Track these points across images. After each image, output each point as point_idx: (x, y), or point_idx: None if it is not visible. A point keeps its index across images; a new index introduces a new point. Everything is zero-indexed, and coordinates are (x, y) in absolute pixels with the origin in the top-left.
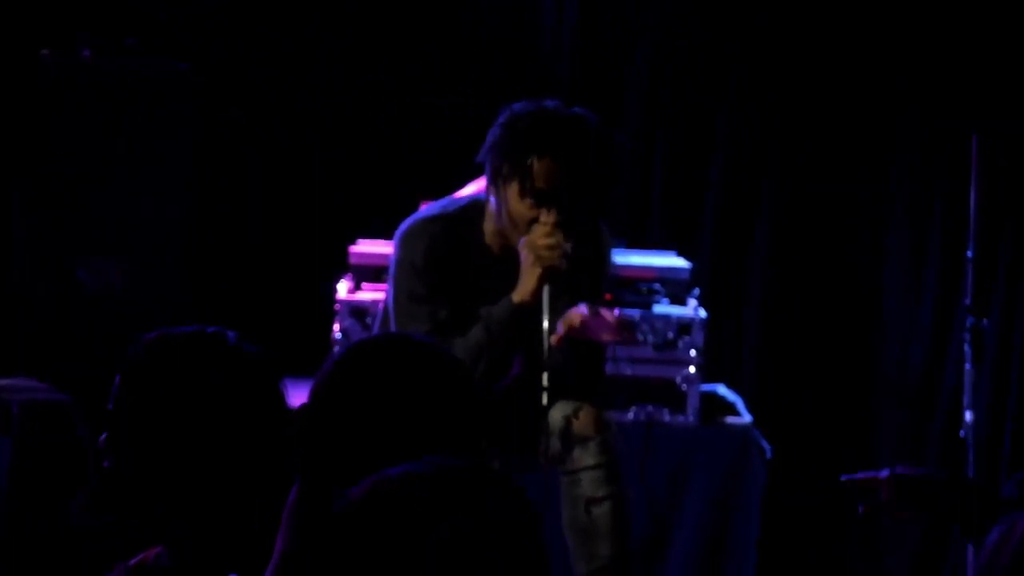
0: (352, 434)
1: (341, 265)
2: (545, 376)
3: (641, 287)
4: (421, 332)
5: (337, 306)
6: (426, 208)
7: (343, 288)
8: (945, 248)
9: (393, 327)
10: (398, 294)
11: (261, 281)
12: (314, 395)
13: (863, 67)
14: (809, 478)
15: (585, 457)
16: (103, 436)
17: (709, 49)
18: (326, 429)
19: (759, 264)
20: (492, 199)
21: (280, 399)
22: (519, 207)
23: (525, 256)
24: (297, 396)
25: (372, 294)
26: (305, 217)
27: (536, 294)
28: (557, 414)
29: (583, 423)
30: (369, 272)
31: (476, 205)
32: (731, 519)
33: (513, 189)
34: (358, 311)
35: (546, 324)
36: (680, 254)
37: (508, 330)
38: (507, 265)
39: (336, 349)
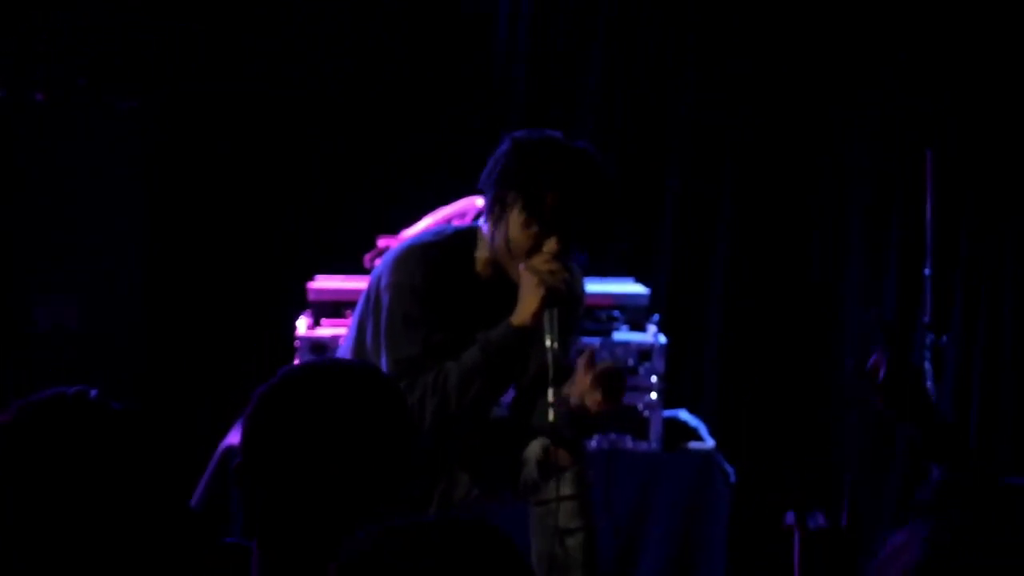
0: (287, 468)
1: (300, 301)
2: (551, 392)
3: (600, 314)
4: (412, 355)
5: (297, 342)
6: (416, 235)
7: (302, 324)
8: (903, 266)
9: (382, 352)
10: (391, 317)
11: (219, 319)
12: (246, 434)
13: (817, 83)
14: (774, 500)
15: (561, 487)
16: None
17: (661, 71)
18: (261, 470)
19: (718, 287)
20: (487, 226)
21: (151, 455)
22: (521, 235)
23: (527, 279)
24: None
25: (331, 330)
26: (262, 254)
27: (537, 316)
28: (536, 444)
29: (561, 453)
30: (328, 308)
31: (467, 233)
32: (697, 544)
33: (517, 217)
34: (318, 347)
35: (548, 343)
36: (638, 280)
37: (506, 353)
38: (498, 293)
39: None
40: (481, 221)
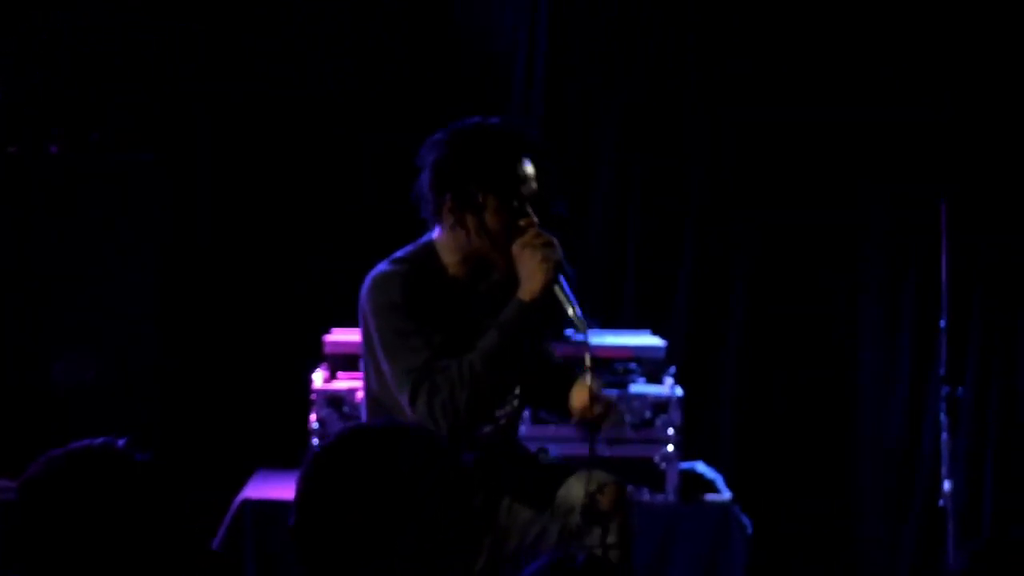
0: (344, 530)
1: (316, 355)
2: (588, 357)
3: (617, 367)
4: (419, 362)
5: (313, 396)
6: (383, 262)
7: (319, 378)
8: (919, 318)
9: (390, 375)
10: (385, 338)
11: (235, 371)
12: (300, 495)
13: (832, 137)
14: (791, 552)
15: (604, 536)
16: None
17: (678, 120)
18: (317, 531)
19: (734, 339)
20: (450, 229)
21: (176, 505)
22: (498, 224)
23: (527, 257)
24: (274, 487)
25: (348, 383)
26: (279, 307)
27: (546, 289)
28: (579, 490)
29: (606, 500)
30: (344, 361)
31: (425, 246)
32: None
33: (492, 209)
34: (335, 400)
35: (571, 311)
36: (655, 333)
37: (523, 330)
38: (476, 290)
39: (313, 447)
40: (434, 234)
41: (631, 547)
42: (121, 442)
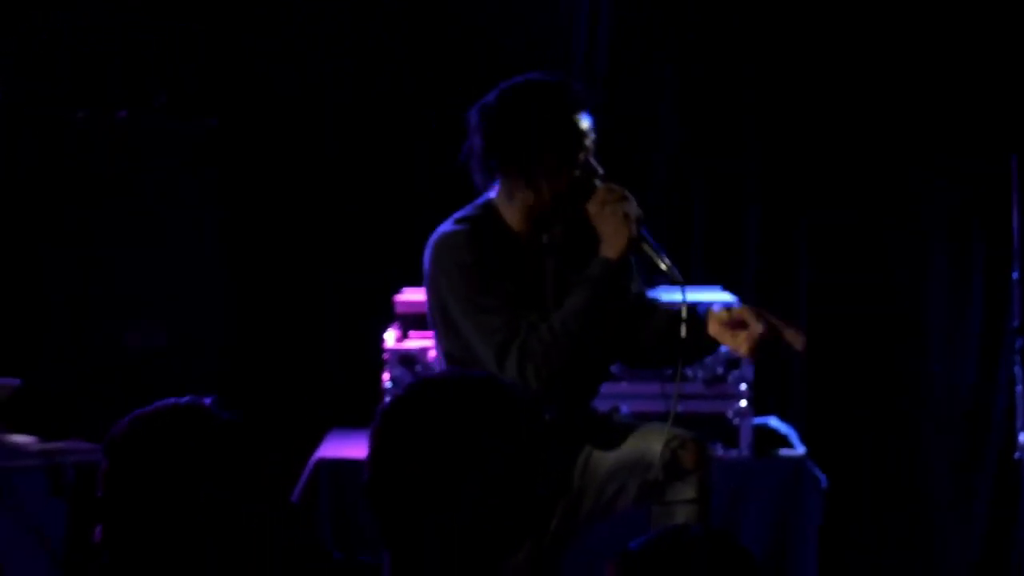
0: (415, 484)
1: (387, 315)
2: (685, 310)
3: None
4: (502, 323)
5: (386, 355)
6: (445, 223)
7: (391, 337)
8: (990, 270)
9: (474, 340)
10: (461, 299)
11: (307, 332)
12: (373, 450)
13: (901, 89)
14: (864, 506)
15: (685, 491)
16: (97, 528)
17: (744, 81)
18: (389, 486)
19: (803, 293)
20: (510, 187)
21: (259, 467)
22: (560, 176)
23: (607, 216)
24: (348, 447)
25: (420, 342)
26: (350, 267)
27: (632, 246)
28: (659, 444)
29: (688, 457)
30: (416, 320)
31: (485, 206)
32: (788, 550)
33: (551, 160)
34: (407, 359)
35: (663, 266)
36: (725, 288)
37: (609, 288)
38: (543, 246)
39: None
40: (492, 193)
41: (709, 504)
42: (208, 400)
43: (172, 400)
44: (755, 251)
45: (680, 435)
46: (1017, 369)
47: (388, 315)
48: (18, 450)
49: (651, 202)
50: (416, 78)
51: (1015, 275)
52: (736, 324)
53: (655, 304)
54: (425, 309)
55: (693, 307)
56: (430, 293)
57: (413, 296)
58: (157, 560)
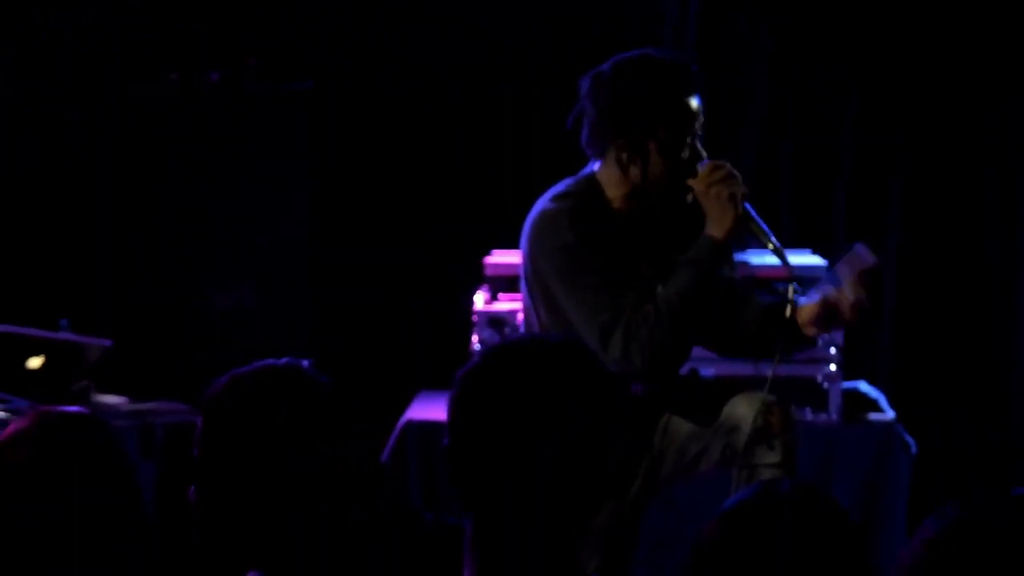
0: (497, 448)
1: (477, 276)
2: (790, 288)
3: (778, 287)
4: (605, 303)
5: (475, 317)
6: (543, 197)
7: (480, 299)
8: None
9: (581, 320)
10: (564, 279)
11: (396, 295)
12: (452, 416)
13: (992, 63)
14: (954, 473)
15: (769, 455)
16: (192, 488)
17: (834, 46)
18: (469, 450)
19: (893, 259)
20: (616, 163)
21: (352, 430)
22: (669, 155)
23: (713, 196)
24: (436, 409)
25: (509, 304)
26: (439, 229)
27: (737, 226)
28: (746, 408)
29: (775, 420)
30: (505, 282)
31: (587, 180)
32: (878, 516)
33: (662, 138)
34: (496, 321)
35: (771, 245)
36: (815, 252)
37: (715, 267)
38: (643, 224)
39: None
40: (595, 166)
41: (794, 468)
42: (306, 363)
43: (270, 361)
44: (846, 212)
45: (767, 399)
46: None
47: (478, 277)
48: (110, 410)
49: (743, 165)
50: (511, 47)
51: None
52: (825, 311)
53: (750, 293)
54: (514, 271)
55: (790, 298)
56: (529, 268)
57: (503, 258)
58: (251, 521)
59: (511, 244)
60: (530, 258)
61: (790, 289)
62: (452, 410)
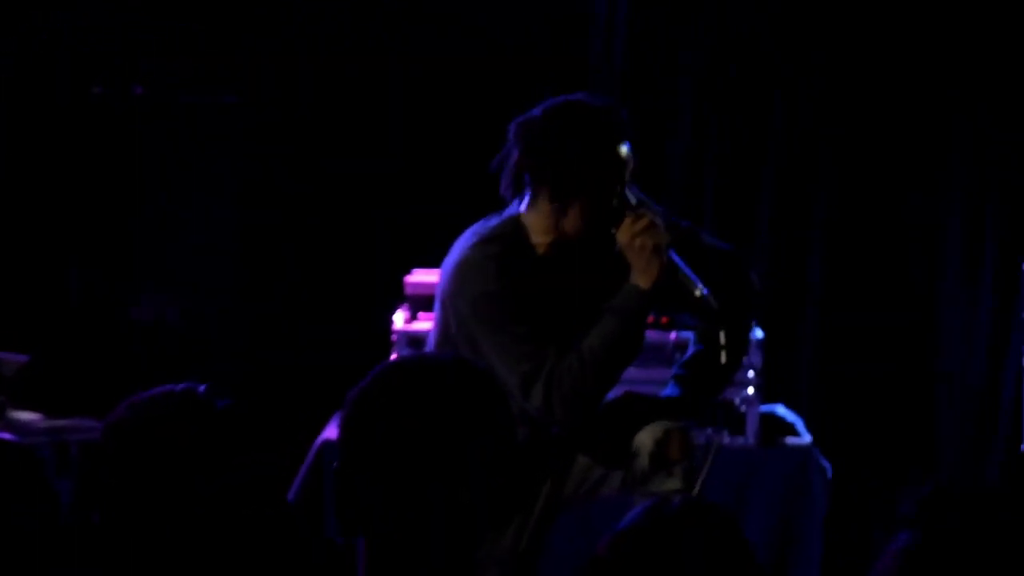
0: (387, 468)
1: (397, 295)
2: (723, 335)
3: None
4: (529, 352)
5: (394, 336)
6: (466, 237)
7: (399, 318)
8: (1000, 259)
9: (502, 368)
10: (487, 328)
11: (316, 313)
12: (342, 436)
13: (917, 70)
14: (871, 497)
15: (669, 481)
16: (95, 513)
17: (757, 60)
18: (360, 471)
19: (813, 281)
20: (544, 210)
21: (251, 452)
22: (599, 205)
23: (638, 246)
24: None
25: (429, 324)
26: (360, 248)
27: (663, 276)
28: (647, 436)
29: (672, 446)
30: (425, 302)
31: (512, 223)
32: (793, 540)
33: (593, 190)
34: (415, 341)
35: (697, 292)
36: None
37: (641, 317)
38: (567, 268)
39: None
40: (521, 207)
41: (696, 493)
42: (202, 388)
43: (168, 387)
44: (767, 234)
45: (666, 426)
46: None
47: (398, 296)
48: (25, 427)
49: (664, 193)
50: (432, 64)
51: None
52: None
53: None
54: (434, 291)
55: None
56: (450, 312)
57: (423, 277)
58: (154, 546)
59: (431, 263)
60: (452, 302)
61: (721, 335)
62: (342, 431)
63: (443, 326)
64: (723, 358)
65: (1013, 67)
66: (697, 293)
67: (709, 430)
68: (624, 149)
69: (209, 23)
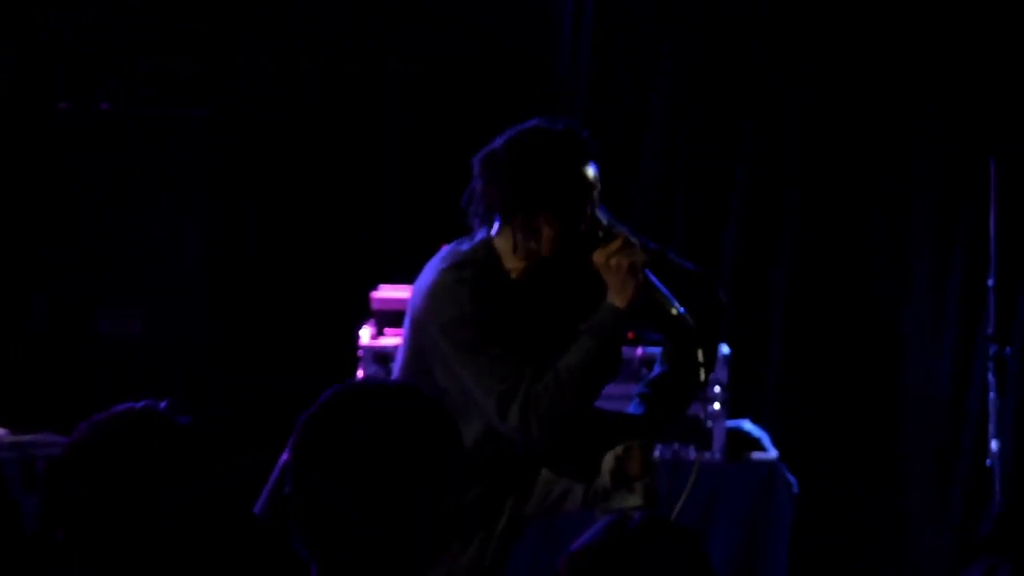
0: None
1: (363, 311)
2: (701, 353)
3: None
4: (506, 374)
5: (360, 352)
6: (438, 261)
7: (366, 334)
8: (967, 276)
9: (479, 393)
10: (463, 352)
11: (282, 328)
12: (293, 461)
13: (882, 93)
14: (837, 511)
15: (630, 498)
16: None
17: (727, 79)
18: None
19: (780, 298)
20: (514, 235)
21: (215, 468)
22: (568, 229)
23: (614, 267)
24: None
25: (395, 339)
26: (327, 263)
27: (639, 296)
28: (606, 452)
29: (632, 463)
30: (392, 317)
31: (484, 247)
32: (759, 554)
33: (562, 215)
34: (382, 356)
35: (674, 311)
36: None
37: (619, 337)
38: (543, 293)
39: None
40: (493, 231)
41: (656, 509)
42: (163, 404)
43: (129, 404)
44: (734, 251)
45: (627, 443)
46: (990, 376)
47: (364, 311)
48: None
49: (636, 194)
50: (399, 72)
51: (991, 282)
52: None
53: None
54: (401, 307)
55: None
56: (421, 334)
57: (390, 293)
58: (118, 562)
59: (398, 279)
60: (425, 327)
61: (699, 353)
62: (292, 455)
63: (416, 350)
64: (701, 376)
65: (971, 88)
66: (673, 311)
67: (675, 445)
68: (591, 170)
69: (208, 23)
